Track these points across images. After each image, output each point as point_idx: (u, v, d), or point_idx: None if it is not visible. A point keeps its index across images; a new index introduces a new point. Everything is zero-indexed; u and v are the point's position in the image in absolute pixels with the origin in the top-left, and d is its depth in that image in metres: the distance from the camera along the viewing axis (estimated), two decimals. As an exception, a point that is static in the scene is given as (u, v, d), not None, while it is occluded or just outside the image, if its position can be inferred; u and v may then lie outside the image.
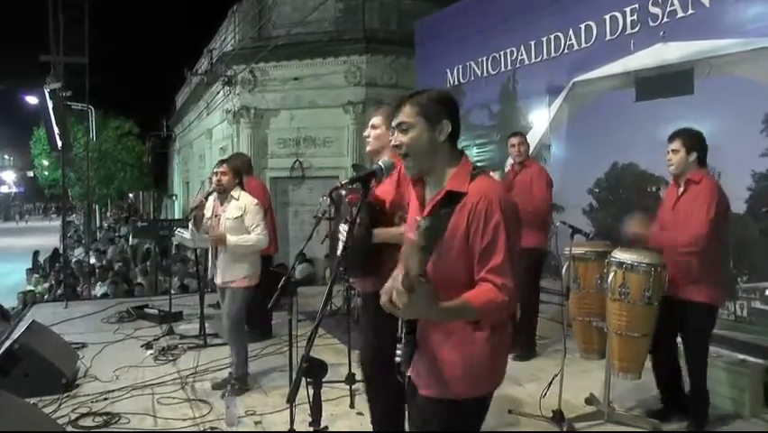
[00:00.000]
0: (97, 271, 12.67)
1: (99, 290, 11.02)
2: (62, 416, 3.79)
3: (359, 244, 2.58)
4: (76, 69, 12.99)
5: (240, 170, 4.42)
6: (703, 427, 3.45)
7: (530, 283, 4.81)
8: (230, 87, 12.05)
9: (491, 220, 1.74)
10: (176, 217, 20.36)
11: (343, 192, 2.91)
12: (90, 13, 13.04)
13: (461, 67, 7.42)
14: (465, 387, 1.83)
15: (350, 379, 3.88)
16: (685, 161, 3.38)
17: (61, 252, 13.74)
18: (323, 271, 10.68)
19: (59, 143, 11.37)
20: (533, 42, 6.32)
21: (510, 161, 5.16)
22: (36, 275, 15.50)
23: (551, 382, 3.59)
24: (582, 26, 5.69)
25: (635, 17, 5.14)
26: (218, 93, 13.27)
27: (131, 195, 38.71)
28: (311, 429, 2.05)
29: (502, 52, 6.76)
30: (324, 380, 1.98)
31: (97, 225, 28.90)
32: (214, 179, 4.28)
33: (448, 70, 7.60)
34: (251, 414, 3.85)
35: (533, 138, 6.00)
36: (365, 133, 3.05)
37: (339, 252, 2.22)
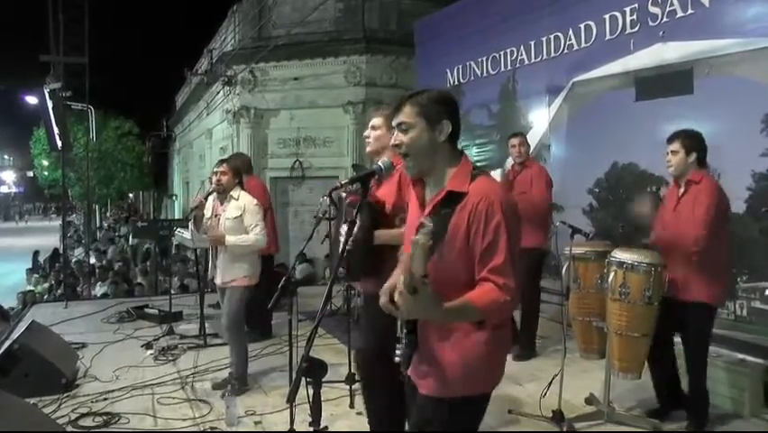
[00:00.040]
0: (97, 271, 12.67)
1: (99, 290, 11.02)
2: (62, 416, 3.79)
3: (360, 246, 2.59)
4: (76, 69, 13.02)
5: (240, 170, 4.42)
6: (703, 427, 3.45)
7: (531, 283, 4.81)
8: (230, 87, 12.06)
9: (492, 221, 1.75)
10: (176, 217, 20.36)
11: (344, 194, 2.91)
12: (90, 13, 13.10)
13: (460, 67, 7.42)
14: (465, 386, 1.83)
15: (350, 379, 3.88)
16: (684, 161, 3.38)
17: (61, 252, 13.74)
18: (323, 271, 10.68)
19: (59, 143, 11.38)
20: (532, 42, 6.32)
21: (510, 160, 5.16)
22: (36, 275, 15.49)
23: (551, 382, 3.59)
24: (582, 26, 5.69)
25: (634, 17, 5.14)
26: (218, 93, 13.28)
27: (131, 195, 38.72)
28: (311, 429, 2.06)
29: (502, 52, 6.76)
30: (323, 380, 1.99)
31: (97, 225, 28.91)
32: (214, 178, 4.28)
33: (448, 70, 7.60)
34: (251, 414, 3.85)
35: (532, 138, 6.00)
36: (365, 134, 3.05)
37: (341, 253, 2.23)
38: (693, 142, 3.38)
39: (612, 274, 3.43)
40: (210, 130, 15.46)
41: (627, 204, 3.73)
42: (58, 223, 28.65)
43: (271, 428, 3.66)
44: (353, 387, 3.87)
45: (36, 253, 18.65)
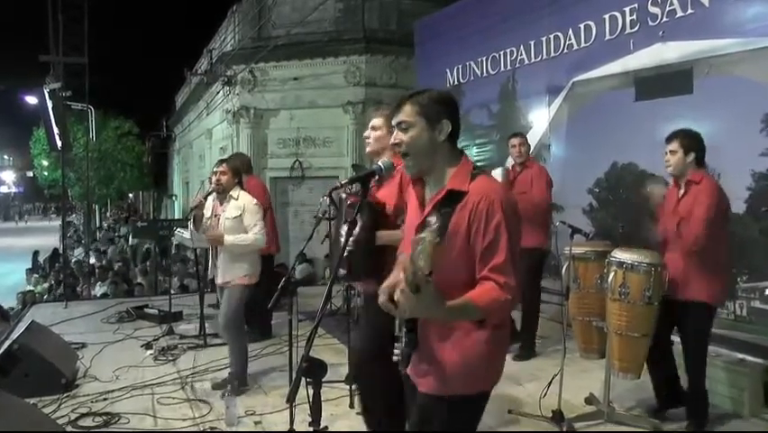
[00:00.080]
0: (97, 271, 12.68)
1: (99, 290, 11.03)
2: (62, 416, 3.79)
3: (363, 246, 2.59)
4: (75, 69, 13.02)
5: (239, 170, 4.42)
6: (703, 426, 3.45)
7: (531, 283, 4.81)
8: (230, 87, 12.06)
9: (492, 220, 1.75)
10: (176, 217, 20.36)
11: (344, 195, 2.91)
12: (90, 13, 13.10)
13: (460, 67, 7.42)
14: (465, 385, 1.84)
15: (350, 379, 3.87)
16: (683, 161, 3.38)
17: (61, 252, 13.73)
18: (323, 271, 10.68)
19: (59, 143, 11.37)
20: (532, 42, 6.32)
21: (510, 160, 5.16)
22: (36, 275, 15.50)
23: (551, 382, 3.59)
24: (582, 26, 5.69)
25: (634, 17, 5.14)
26: (218, 93, 13.28)
27: (131, 195, 38.72)
28: (311, 429, 2.06)
29: (502, 52, 6.76)
30: (323, 380, 1.99)
31: (97, 225, 28.91)
32: (214, 178, 4.28)
33: (448, 70, 7.60)
34: (251, 414, 3.84)
35: (532, 138, 6.00)
36: (365, 134, 3.04)
37: (341, 253, 2.23)
38: (692, 141, 3.38)
39: (612, 274, 3.43)
40: (210, 130, 15.46)
41: (628, 202, 3.75)
42: (57, 223, 28.67)
43: (271, 428, 3.66)
44: (353, 387, 3.88)
45: (36, 253, 18.65)
